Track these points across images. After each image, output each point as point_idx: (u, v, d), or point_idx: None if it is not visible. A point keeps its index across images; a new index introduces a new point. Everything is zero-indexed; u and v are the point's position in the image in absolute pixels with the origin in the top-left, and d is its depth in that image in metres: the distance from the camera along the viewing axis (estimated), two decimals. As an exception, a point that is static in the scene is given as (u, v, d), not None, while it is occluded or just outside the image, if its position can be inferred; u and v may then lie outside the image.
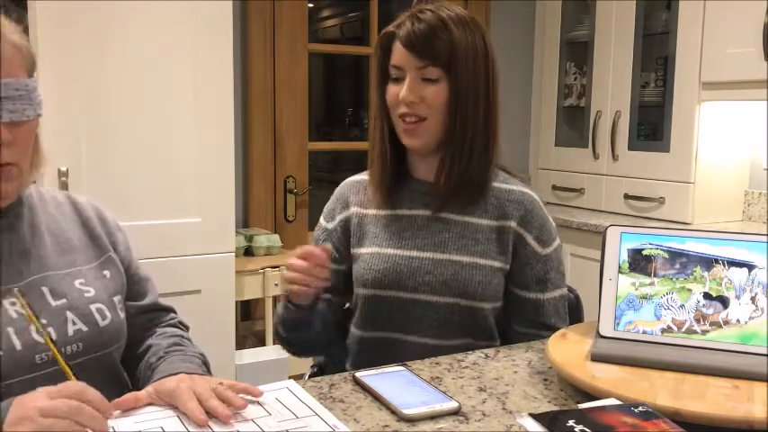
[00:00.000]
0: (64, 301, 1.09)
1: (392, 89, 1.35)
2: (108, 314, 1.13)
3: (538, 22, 3.52)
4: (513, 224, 1.36)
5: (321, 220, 1.49)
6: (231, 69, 2.36)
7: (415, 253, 1.35)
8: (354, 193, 1.46)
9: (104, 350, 1.12)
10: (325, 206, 1.51)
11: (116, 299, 1.17)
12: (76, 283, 1.12)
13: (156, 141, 2.26)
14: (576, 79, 3.34)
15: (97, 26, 2.15)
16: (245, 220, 3.03)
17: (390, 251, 1.36)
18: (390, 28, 1.35)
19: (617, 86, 3.02)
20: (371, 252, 1.38)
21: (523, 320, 1.39)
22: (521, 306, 1.38)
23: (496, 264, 1.35)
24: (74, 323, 1.08)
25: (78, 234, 1.18)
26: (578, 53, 3.32)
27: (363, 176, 1.47)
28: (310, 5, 3.10)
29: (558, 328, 1.32)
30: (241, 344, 2.78)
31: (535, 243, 1.37)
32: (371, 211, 1.42)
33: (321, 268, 1.27)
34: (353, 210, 1.44)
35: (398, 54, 1.32)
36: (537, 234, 1.37)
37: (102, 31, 2.15)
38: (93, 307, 1.11)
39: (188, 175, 2.33)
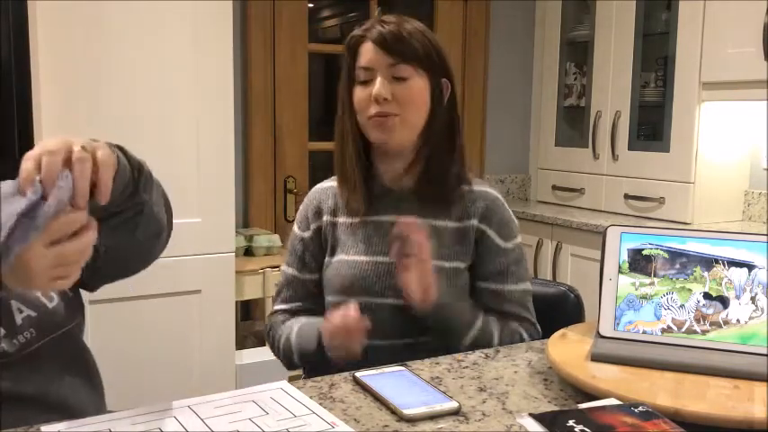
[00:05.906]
0: (3, 293, 1.07)
1: (360, 92, 1.35)
2: (54, 296, 1.11)
3: (538, 22, 3.52)
4: (474, 222, 1.39)
5: (295, 228, 1.49)
6: (231, 69, 2.36)
7: (380, 258, 1.36)
8: (324, 201, 1.46)
9: (62, 329, 1.10)
10: (297, 213, 1.50)
11: None
12: None
13: (155, 141, 2.26)
14: (576, 79, 3.34)
15: (97, 26, 2.15)
16: (245, 221, 3.02)
17: (357, 257, 1.37)
18: (358, 31, 1.37)
19: (617, 86, 3.02)
20: (339, 259, 1.39)
21: (485, 310, 1.38)
22: (482, 296, 1.40)
23: (461, 265, 1.38)
24: (20, 311, 1.06)
25: None
26: (578, 53, 3.32)
27: (331, 183, 1.48)
28: (310, 5, 3.10)
29: (524, 318, 1.39)
30: (241, 344, 2.78)
31: (496, 236, 1.39)
32: (341, 219, 1.43)
33: (358, 333, 1.25)
34: (325, 218, 1.44)
35: (368, 54, 1.34)
36: (497, 228, 1.39)
37: (102, 31, 2.15)
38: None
39: (188, 176, 2.32)
